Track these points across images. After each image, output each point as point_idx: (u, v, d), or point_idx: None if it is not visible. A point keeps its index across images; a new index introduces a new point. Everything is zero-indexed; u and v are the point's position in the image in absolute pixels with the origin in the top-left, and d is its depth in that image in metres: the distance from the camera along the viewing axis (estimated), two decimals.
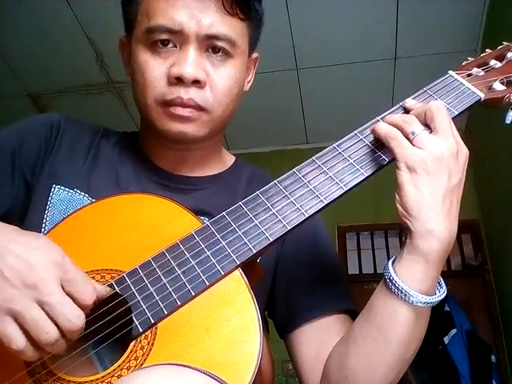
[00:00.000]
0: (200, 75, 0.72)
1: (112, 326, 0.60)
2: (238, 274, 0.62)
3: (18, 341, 0.50)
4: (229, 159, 0.90)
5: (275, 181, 0.67)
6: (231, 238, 0.64)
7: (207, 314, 0.60)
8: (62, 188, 0.77)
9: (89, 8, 2.50)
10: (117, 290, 0.61)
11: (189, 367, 0.55)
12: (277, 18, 2.49)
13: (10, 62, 2.88)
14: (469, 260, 3.03)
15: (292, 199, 0.65)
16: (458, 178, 0.63)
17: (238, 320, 0.59)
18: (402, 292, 0.61)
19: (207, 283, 0.61)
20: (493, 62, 0.77)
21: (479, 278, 2.93)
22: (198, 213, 0.71)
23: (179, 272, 0.62)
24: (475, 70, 0.76)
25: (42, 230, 0.74)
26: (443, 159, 0.61)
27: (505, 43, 0.81)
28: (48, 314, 0.51)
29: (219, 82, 0.75)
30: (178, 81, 0.72)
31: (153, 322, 0.59)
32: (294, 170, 0.68)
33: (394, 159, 0.64)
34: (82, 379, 0.58)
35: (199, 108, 0.74)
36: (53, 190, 0.77)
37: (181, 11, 0.72)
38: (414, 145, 0.62)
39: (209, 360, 0.56)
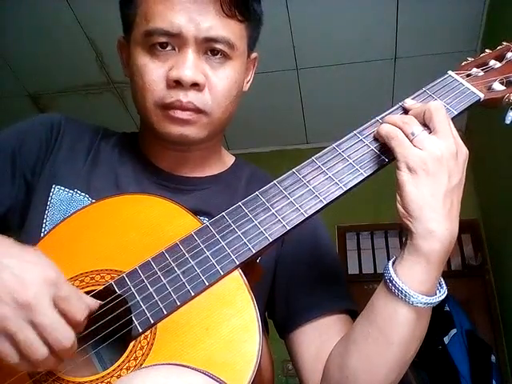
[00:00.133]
0: (199, 78, 0.72)
1: (112, 326, 0.60)
2: (237, 274, 0.62)
3: (13, 357, 0.51)
4: (229, 159, 0.90)
5: (275, 181, 0.67)
6: (231, 238, 0.64)
7: (207, 314, 0.60)
8: (62, 188, 0.78)
9: (89, 8, 2.50)
10: (117, 290, 0.61)
11: (188, 367, 0.55)
12: (277, 18, 2.49)
13: (9, 62, 2.88)
14: (469, 260, 3.03)
15: (291, 199, 0.65)
16: (458, 178, 0.62)
17: (237, 320, 0.59)
18: (402, 293, 0.61)
19: (207, 283, 0.61)
20: (492, 62, 0.77)
21: (479, 278, 2.93)
22: (197, 213, 0.71)
23: (179, 272, 0.62)
24: (475, 70, 0.76)
25: (42, 229, 0.74)
26: (443, 159, 0.61)
27: (504, 43, 0.81)
28: (40, 334, 0.51)
29: (218, 84, 0.74)
30: (177, 84, 0.72)
31: (152, 322, 0.59)
32: (294, 170, 0.68)
33: (393, 159, 0.64)
34: (81, 379, 0.58)
35: (198, 111, 0.74)
36: (53, 190, 0.77)
37: (179, 14, 0.71)
38: (413, 145, 0.62)
39: (208, 360, 0.56)
